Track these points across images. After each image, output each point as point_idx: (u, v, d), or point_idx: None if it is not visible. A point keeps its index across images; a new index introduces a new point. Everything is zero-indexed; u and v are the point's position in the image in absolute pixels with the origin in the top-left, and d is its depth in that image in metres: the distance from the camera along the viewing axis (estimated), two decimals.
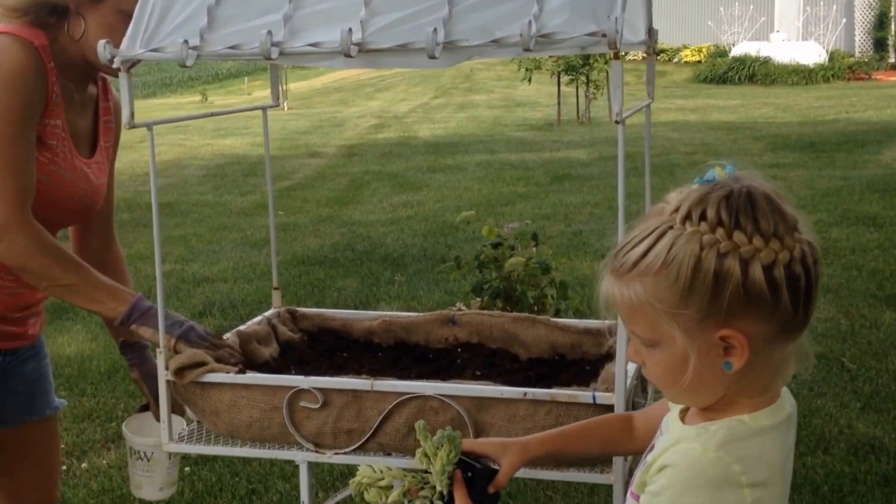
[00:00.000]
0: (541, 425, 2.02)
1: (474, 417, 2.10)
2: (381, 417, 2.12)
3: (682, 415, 1.46)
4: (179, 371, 2.16)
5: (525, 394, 2.07)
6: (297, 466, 2.20)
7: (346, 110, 23.58)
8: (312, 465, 2.21)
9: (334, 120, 20.82)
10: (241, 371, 2.19)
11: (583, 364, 2.48)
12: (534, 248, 5.77)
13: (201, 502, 3.86)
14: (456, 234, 8.38)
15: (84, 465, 4.29)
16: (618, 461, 2.05)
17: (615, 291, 1.36)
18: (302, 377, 2.17)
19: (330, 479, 3.93)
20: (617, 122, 1.86)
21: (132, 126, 2.03)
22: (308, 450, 2.18)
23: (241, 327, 2.53)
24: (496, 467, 1.65)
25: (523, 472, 2.13)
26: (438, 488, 1.57)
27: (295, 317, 2.69)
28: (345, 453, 2.16)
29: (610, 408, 2.00)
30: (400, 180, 11.96)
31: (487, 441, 1.75)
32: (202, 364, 2.17)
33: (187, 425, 2.32)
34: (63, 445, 4.52)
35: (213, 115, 2.53)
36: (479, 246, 5.51)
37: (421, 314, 2.65)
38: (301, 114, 22.27)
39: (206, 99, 27.51)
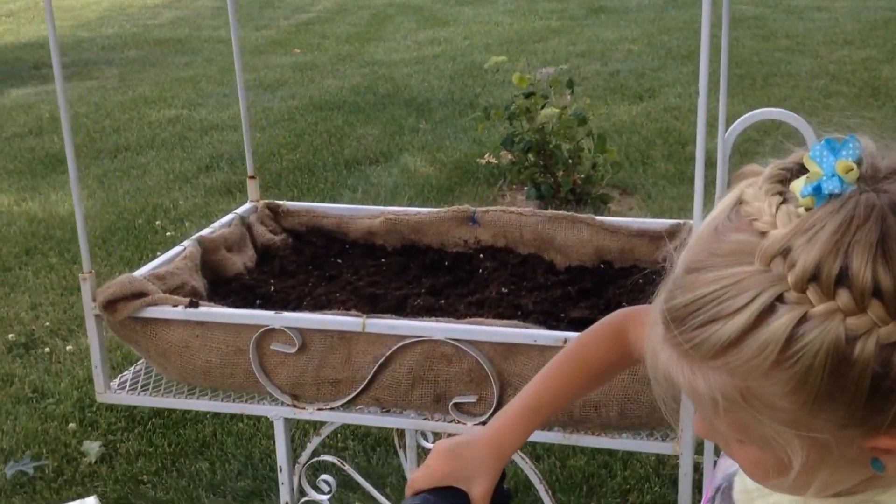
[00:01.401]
0: None
1: (498, 367, 1.60)
2: (376, 366, 1.62)
3: None
4: (110, 304, 1.65)
5: (565, 340, 1.56)
6: None
7: None
8: (290, 422, 1.73)
9: None
10: (193, 304, 1.67)
11: (634, 274, 1.96)
12: (569, 97, 5.22)
13: None
14: (485, 77, 7.73)
15: (69, 347, 3.86)
16: (686, 430, 1.55)
17: (681, 378, 0.80)
18: (272, 313, 1.65)
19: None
20: None
21: None
22: (284, 403, 1.69)
23: (205, 231, 2.00)
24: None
25: (560, 438, 1.65)
26: None
27: (277, 213, 2.15)
28: (331, 409, 1.67)
29: None
30: (426, 14, 11.19)
31: (439, 460, 1.13)
32: (141, 294, 1.65)
33: (133, 365, 1.84)
34: (47, 323, 4.10)
35: None
36: (511, 93, 4.92)
37: (433, 210, 2.11)
38: None
39: None
